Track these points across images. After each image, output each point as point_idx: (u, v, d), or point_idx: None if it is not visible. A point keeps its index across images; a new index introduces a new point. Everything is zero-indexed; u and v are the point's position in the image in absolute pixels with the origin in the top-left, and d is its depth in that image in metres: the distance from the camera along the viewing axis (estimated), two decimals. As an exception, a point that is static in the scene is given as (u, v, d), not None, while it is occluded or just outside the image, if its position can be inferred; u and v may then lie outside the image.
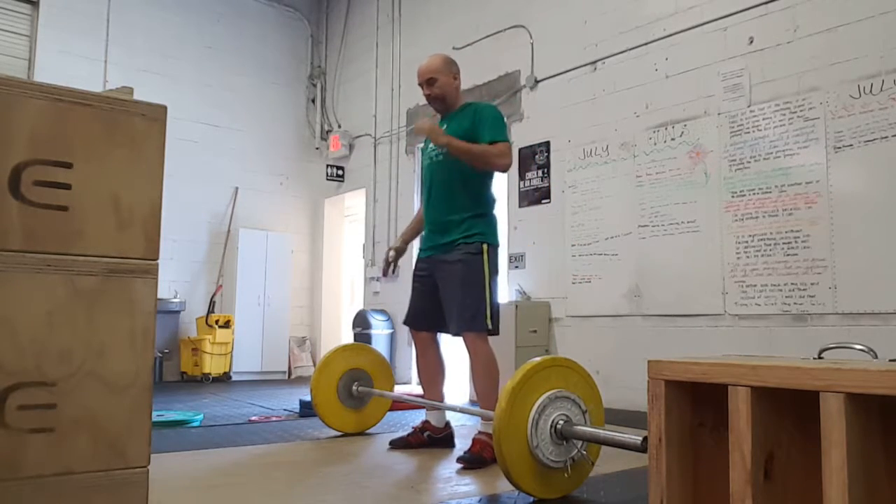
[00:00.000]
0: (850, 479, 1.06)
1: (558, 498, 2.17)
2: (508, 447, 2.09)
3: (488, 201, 3.00)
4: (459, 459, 2.64)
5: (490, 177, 3.00)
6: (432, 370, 3.11)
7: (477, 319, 2.81)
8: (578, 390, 2.25)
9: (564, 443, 2.16)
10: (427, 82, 3.01)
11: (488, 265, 2.87)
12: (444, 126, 3.00)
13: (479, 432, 2.74)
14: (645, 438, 1.97)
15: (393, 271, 3.36)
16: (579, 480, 2.25)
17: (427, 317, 3.05)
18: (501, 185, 5.78)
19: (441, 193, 2.98)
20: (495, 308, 2.87)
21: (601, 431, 2.15)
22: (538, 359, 2.28)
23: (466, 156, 2.84)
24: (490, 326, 2.83)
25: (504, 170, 2.90)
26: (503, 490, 2.27)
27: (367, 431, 3.47)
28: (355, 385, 3.41)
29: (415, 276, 3.12)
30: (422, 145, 3.13)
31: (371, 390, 3.42)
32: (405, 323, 3.15)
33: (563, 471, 2.15)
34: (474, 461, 2.62)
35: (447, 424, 3.12)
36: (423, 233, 3.14)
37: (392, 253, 3.28)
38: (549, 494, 2.16)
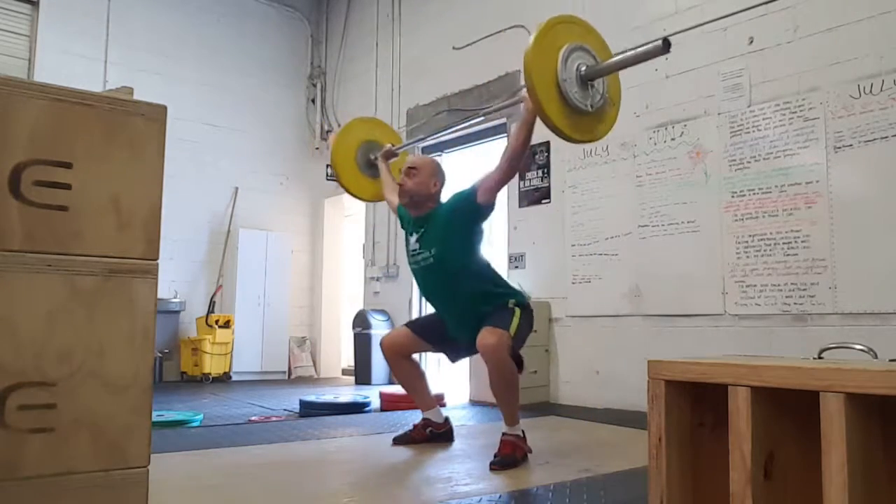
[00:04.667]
0: (850, 479, 1.06)
1: (557, 483, 2.16)
2: (539, 77, 2.19)
3: (491, 273, 2.94)
4: (492, 465, 2.59)
5: (480, 246, 2.92)
6: (414, 374, 3.12)
7: (504, 321, 2.70)
8: (589, 43, 2.39)
9: (590, 88, 2.28)
10: (408, 171, 2.98)
11: (519, 317, 2.74)
12: (423, 229, 2.93)
13: (505, 434, 2.71)
14: (666, 39, 2.17)
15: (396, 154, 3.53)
16: (605, 129, 2.38)
17: (432, 333, 3.04)
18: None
19: (448, 294, 2.88)
20: (520, 337, 2.73)
21: (619, 56, 2.29)
22: (557, 15, 2.41)
23: (527, 140, 2.64)
24: (513, 338, 2.67)
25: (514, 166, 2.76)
26: (504, 490, 2.27)
27: (367, 432, 3.48)
28: (373, 154, 3.55)
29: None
30: (413, 248, 3.00)
31: None
32: (406, 325, 3.16)
33: (587, 112, 2.28)
34: (508, 463, 2.60)
35: (447, 420, 3.17)
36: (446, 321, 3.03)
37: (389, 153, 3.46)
38: (576, 135, 2.30)
